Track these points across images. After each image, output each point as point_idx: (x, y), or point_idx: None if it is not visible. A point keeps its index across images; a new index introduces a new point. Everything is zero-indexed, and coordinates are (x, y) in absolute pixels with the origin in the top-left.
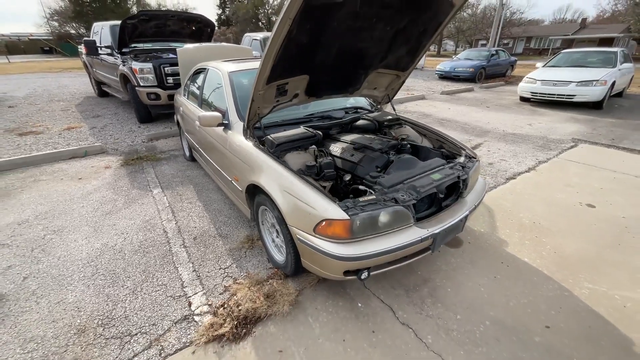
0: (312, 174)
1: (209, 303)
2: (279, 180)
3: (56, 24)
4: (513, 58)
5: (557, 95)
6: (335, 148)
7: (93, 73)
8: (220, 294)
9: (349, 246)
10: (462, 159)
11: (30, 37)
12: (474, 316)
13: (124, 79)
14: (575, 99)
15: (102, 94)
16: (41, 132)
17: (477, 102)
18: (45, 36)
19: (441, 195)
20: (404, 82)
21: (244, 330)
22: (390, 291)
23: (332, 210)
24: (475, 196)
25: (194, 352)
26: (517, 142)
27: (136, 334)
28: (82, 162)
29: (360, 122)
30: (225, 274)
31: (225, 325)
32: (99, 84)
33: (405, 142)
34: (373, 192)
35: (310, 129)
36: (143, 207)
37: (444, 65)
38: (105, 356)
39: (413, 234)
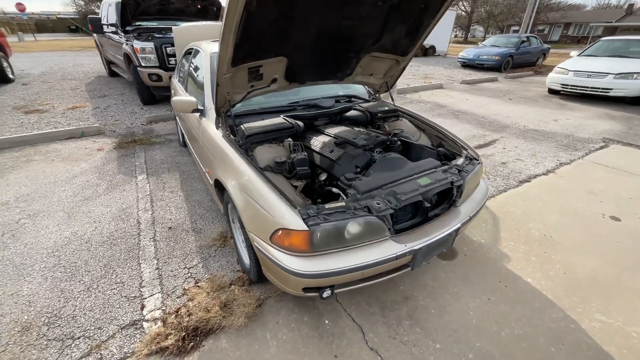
0: (282, 172)
1: (163, 308)
2: (239, 178)
3: (82, 2)
4: (546, 46)
5: (591, 88)
6: (316, 142)
7: (103, 52)
8: (177, 298)
9: (308, 260)
10: (460, 161)
11: (58, 16)
12: (456, 346)
13: (128, 58)
14: (611, 93)
15: (113, 73)
16: (46, 111)
17: (499, 94)
18: (73, 15)
19: (427, 205)
20: (404, 68)
21: (192, 344)
22: (364, 308)
23: (289, 218)
24: (472, 205)
25: None
26: (538, 140)
27: (79, 338)
28: (77, 143)
29: (351, 112)
30: (189, 274)
31: (172, 336)
32: (109, 64)
33: (396, 139)
34: (344, 197)
35: (290, 119)
36: (123, 194)
37: (467, 52)
38: None
39: (387, 249)
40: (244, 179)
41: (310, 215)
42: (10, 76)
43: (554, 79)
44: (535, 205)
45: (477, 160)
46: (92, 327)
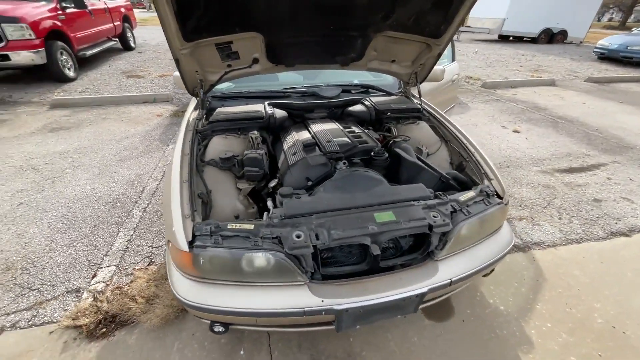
0: (230, 169)
1: (108, 282)
2: (168, 170)
3: None
4: None
5: None
6: (290, 140)
7: None
8: (125, 276)
9: (195, 286)
10: (469, 195)
11: None
12: None
13: None
14: None
15: None
16: (142, 77)
17: None
18: None
19: (376, 252)
20: (439, 55)
21: (104, 330)
22: (291, 350)
23: (175, 231)
24: (466, 264)
25: (51, 333)
26: None
27: (34, 290)
28: (148, 108)
29: (356, 107)
30: (150, 254)
31: (88, 317)
32: None
33: (383, 150)
34: (263, 218)
35: (270, 108)
36: (149, 160)
37: (610, 40)
38: None
39: (297, 298)
40: (169, 172)
41: (203, 234)
42: (132, 45)
43: None
44: (621, 275)
45: (501, 198)
46: (48, 283)
